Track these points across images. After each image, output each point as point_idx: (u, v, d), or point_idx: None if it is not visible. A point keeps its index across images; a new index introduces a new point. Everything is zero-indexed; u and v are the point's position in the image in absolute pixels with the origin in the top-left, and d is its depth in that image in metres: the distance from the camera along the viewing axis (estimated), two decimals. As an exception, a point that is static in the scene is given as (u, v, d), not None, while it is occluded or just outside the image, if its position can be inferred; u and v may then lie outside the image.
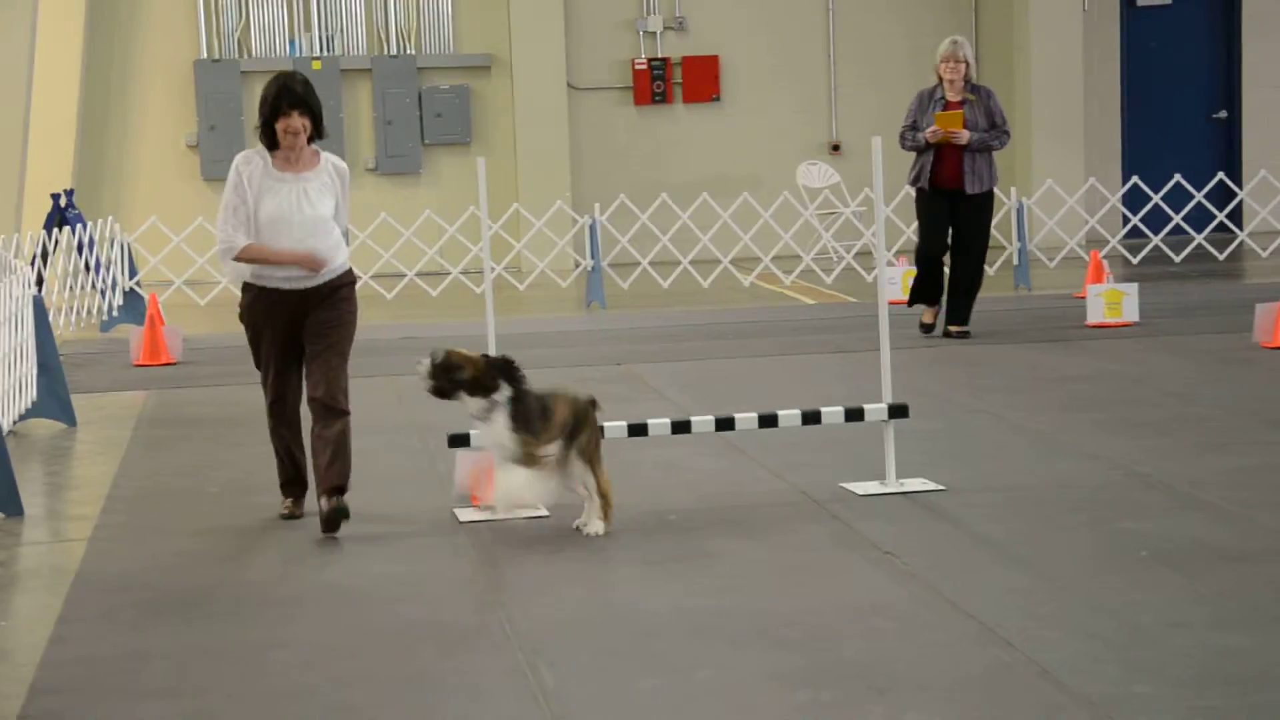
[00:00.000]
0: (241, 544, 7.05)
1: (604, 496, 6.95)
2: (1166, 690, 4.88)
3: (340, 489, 7.13)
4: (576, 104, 19.82)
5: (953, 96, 12.08)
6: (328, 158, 7.26)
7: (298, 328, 7.24)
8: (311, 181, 7.15)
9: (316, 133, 7.16)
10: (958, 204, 12.16)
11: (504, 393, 6.85)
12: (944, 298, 12.53)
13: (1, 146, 14.97)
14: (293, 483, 7.52)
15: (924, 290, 12.51)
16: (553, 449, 6.86)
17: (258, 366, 7.38)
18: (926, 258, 12.31)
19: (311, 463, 7.25)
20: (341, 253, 7.25)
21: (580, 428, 6.94)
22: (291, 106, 7.05)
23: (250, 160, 7.16)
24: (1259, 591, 5.85)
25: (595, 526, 6.95)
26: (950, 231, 12.29)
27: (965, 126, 11.94)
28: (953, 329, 12.41)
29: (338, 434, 7.14)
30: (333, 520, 7.05)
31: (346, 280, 7.29)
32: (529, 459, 6.82)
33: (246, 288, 7.28)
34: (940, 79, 12.19)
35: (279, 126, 7.09)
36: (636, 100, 19.99)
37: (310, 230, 7.12)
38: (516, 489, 6.83)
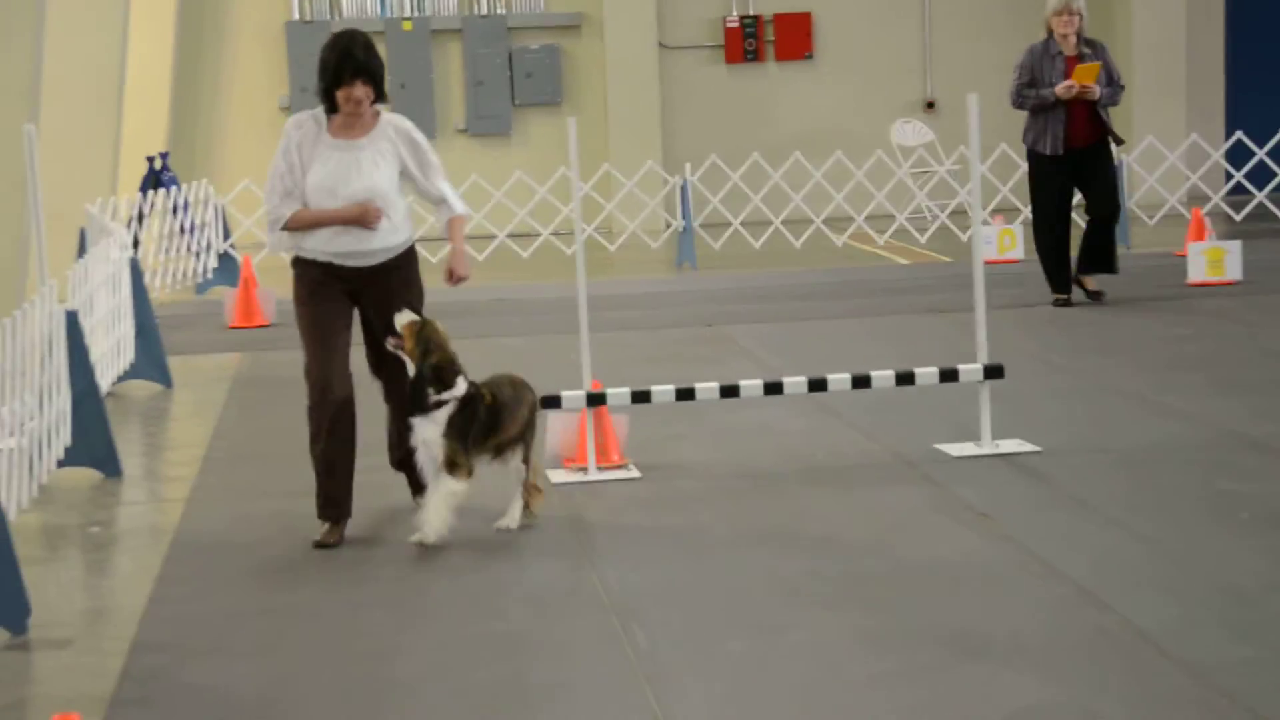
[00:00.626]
0: (335, 504, 7.08)
1: (536, 487, 6.62)
2: (1268, 654, 4.80)
3: None
4: (667, 63, 19.72)
5: (1070, 51, 11.46)
6: (388, 119, 6.64)
7: (352, 309, 6.64)
8: (366, 150, 6.53)
9: (379, 96, 6.57)
10: (1087, 161, 11.44)
11: (456, 391, 6.36)
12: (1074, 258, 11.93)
13: (97, 110, 15.13)
14: (332, 503, 6.57)
15: (1062, 271, 11.69)
16: (477, 462, 6.45)
17: (306, 364, 6.54)
18: (1052, 238, 11.58)
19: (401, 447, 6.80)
20: (402, 228, 6.59)
21: (532, 424, 6.64)
22: (354, 76, 6.48)
23: (302, 124, 6.58)
24: (1365, 555, 5.73)
25: (513, 517, 6.54)
26: (1081, 189, 11.60)
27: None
28: (1090, 286, 11.76)
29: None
30: None
31: (410, 260, 6.65)
32: (451, 467, 6.34)
33: (296, 262, 6.61)
34: (1051, 33, 11.66)
35: (340, 95, 6.50)
36: (728, 58, 19.86)
37: (358, 203, 6.49)
38: (445, 516, 6.34)
